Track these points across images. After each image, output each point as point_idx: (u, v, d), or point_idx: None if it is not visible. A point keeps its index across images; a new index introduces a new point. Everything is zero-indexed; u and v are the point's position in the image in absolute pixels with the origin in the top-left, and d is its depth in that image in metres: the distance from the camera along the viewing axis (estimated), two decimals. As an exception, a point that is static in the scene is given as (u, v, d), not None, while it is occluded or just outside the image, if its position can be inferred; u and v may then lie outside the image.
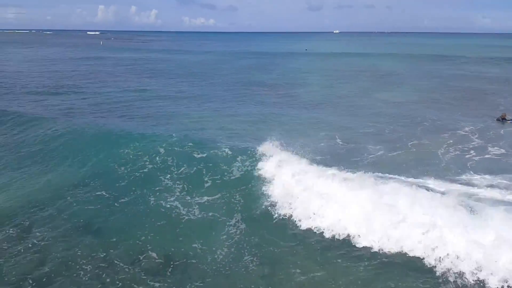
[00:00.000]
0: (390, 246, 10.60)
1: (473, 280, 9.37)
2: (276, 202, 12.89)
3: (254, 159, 15.10)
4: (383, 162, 16.34)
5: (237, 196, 13.56)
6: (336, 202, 12.08)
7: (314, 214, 12.02)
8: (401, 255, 10.35)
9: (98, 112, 25.07)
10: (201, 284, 9.69)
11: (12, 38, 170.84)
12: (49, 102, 27.95)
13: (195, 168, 14.98)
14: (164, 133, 18.61)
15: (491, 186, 13.87)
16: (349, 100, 31.01)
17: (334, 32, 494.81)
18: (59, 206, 12.94)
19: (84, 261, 10.30)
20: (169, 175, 14.66)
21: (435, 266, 9.86)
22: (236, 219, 12.48)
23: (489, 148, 18.40)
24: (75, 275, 9.84)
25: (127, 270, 10.06)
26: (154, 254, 10.70)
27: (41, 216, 12.43)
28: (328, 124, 22.80)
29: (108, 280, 9.70)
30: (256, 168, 14.65)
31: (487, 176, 14.78)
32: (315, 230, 11.56)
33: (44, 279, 9.67)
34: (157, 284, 9.60)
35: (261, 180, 14.06)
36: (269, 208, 12.78)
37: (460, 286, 9.30)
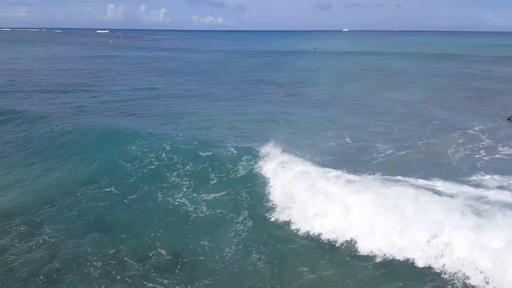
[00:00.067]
0: (394, 251, 10.31)
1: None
2: (282, 201, 12.88)
3: (260, 158, 15.08)
4: (392, 162, 16.27)
5: (244, 194, 13.59)
6: (342, 204, 11.92)
7: (320, 215, 11.89)
8: (406, 261, 10.12)
9: (107, 110, 25.23)
10: (210, 282, 9.74)
11: (23, 36, 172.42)
12: (59, 100, 28.19)
13: (201, 166, 15.02)
14: (172, 131, 18.70)
15: (501, 187, 13.62)
16: (358, 99, 30.89)
17: (343, 30, 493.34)
18: (69, 203, 13.09)
19: (95, 258, 10.41)
20: (175, 173, 14.75)
21: (441, 273, 9.61)
22: (243, 216, 12.52)
23: (499, 148, 18.23)
24: (85, 271, 9.94)
25: (136, 267, 10.15)
26: (163, 251, 10.77)
27: (52, 212, 12.58)
28: (337, 123, 22.75)
29: (118, 277, 9.78)
30: (263, 167, 14.64)
31: (497, 177, 14.62)
32: (321, 230, 11.50)
33: (55, 276, 9.78)
34: (166, 281, 9.67)
35: (268, 179, 14.05)
36: (276, 206, 12.78)
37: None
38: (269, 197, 13.21)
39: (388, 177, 13.67)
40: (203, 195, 13.51)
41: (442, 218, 10.55)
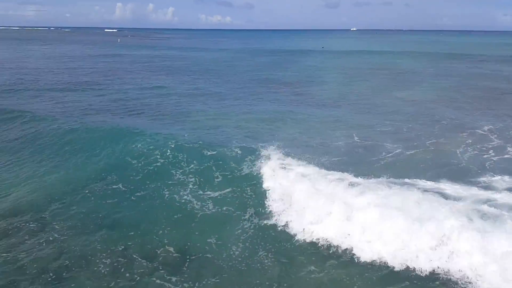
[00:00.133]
0: (398, 255, 10.09)
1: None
2: (288, 201, 12.78)
3: (267, 157, 15.06)
4: (400, 162, 16.19)
5: (249, 192, 13.60)
6: (346, 204, 11.78)
7: (325, 216, 11.70)
8: (410, 266, 9.94)
9: (115, 108, 25.36)
10: (217, 280, 9.78)
11: (32, 35, 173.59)
12: (68, 98, 28.38)
13: (205, 164, 15.07)
14: (179, 130, 18.78)
15: (510, 189, 13.45)
16: (366, 98, 30.76)
17: (352, 29, 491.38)
18: (78, 200, 13.20)
19: (103, 255, 10.49)
20: (181, 170, 14.84)
21: (445, 279, 9.42)
22: (249, 213, 12.55)
23: (509, 148, 18.06)
24: (94, 268, 10.02)
25: (144, 264, 10.21)
26: (171, 249, 10.83)
27: (61, 209, 12.70)
28: (345, 122, 22.69)
29: (127, 274, 9.85)
30: (269, 166, 14.60)
31: (506, 178, 14.47)
32: (327, 231, 11.36)
33: (64, 273, 9.87)
34: (174, 279, 9.72)
35: (274, 178, 13.98)
36: (282, 206, 12.72)
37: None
38: (275, 196, 13.17)
39: (395, 179, 13.58)
40: (209, 193, 13.56)
41: (447, 222, 10.29)
